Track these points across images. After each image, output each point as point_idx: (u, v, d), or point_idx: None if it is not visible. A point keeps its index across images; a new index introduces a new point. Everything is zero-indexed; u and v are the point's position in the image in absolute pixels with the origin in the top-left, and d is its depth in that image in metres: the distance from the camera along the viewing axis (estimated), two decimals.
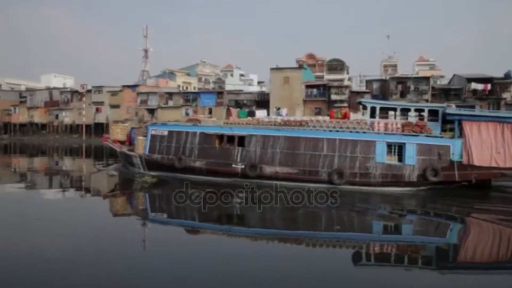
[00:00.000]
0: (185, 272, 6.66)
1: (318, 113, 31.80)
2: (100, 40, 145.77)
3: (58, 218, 10.54)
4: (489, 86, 31.51)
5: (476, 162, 14.43)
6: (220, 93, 39.36)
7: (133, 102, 44.07)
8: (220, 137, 16.45)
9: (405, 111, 15.76)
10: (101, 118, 47.31)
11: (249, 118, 20.13)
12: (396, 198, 14.05)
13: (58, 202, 13.50)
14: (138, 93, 43.79)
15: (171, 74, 61.90)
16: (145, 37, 67.29)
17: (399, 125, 15.14)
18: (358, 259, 7.89)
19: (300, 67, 37.88)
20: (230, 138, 16.21)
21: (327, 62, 63.42)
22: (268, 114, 25.01)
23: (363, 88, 37.01)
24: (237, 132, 16.11)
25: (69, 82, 66.39)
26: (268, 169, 15.37)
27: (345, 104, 31.47)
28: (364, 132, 15.14)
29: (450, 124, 15.75)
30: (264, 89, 56.42)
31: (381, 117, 16.35)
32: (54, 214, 11.10)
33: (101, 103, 47.01)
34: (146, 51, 68.18)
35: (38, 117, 53.62)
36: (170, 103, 42.25)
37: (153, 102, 42.16)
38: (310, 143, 15.19)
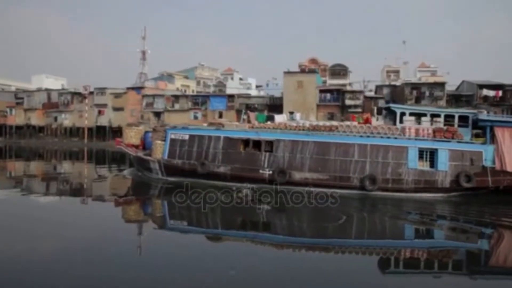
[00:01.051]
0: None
1: (331, 118, 31.64)
2: (94, 41, 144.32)
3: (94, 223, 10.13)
4: (500, 93, 31.87)
5: (509, 168, 14.32)
6: (230, 97, 38.93)
7: (138, 105, 43.31)
8: (246, 142, 16.06)
9: (435, 117, 15.60)
10: (103, 121, 46.44)
11: (269, 122, 19.79)
12: (430, 204, 13.84)
13: (88, 207, 13.10)
14: (144, 96, 43.06)
15: (169, 77, 61.30)
16: (143, 39, 66.38)
17: (430, 131, 14.96)
18: (387, 267, 7.69)
19: (312, 71, 37.73)
20: (256, 143, 15.83)
21: (330, 67, 63.50)
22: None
23: (371, 93, 37.07)
24: (264, 136, 15.74)
25: (58, 84, 64.72)
26: (297, 175, 15.02)
27: (359, 109, 31.46)
28: (395, 138, 14.93)
29: (477, 130, 15.69)
30: (262, 93, 56.25)
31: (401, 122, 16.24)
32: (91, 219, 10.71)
33: (104, 105, 46.14)
34: (144, 53, 67.21)
35: (36, 119, 52.35)
36: (176, 106, 41.64)
37: (159, 105, 41.49)
38: (341, 149, 14.91)
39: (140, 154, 18.94)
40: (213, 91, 56.70)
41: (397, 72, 69.47)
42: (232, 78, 68.41)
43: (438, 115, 15.63)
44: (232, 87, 60.31)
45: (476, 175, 14.30)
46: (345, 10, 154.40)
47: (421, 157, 14.69)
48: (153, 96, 42.62)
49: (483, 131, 15.16)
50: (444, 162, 14.45)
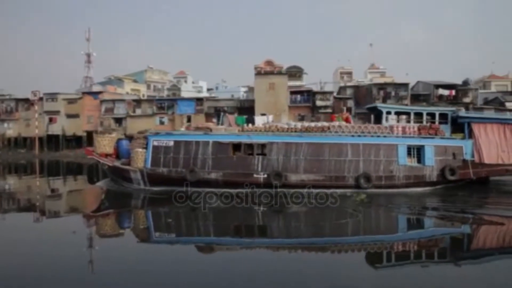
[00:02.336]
0: None
1: (302, 119, 32.00)
2: (32, 45, 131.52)
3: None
4: (453, 92, 34.80)
5: (486, 160, 15.45)
6: (199, 100, 37.58)
7: (96, 111, 40.25)
8: (237, 145, 15.49)
9: (417, 115, 16.34)
10: (55, 130, 42.50)
11: (250, 125, 19.36)
12: (420, 197, 14.40)
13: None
14: (102, 101, 40.08)
15: (119, 81, 58.00)
16: (88, 41, 62.01)
17: (415, 129, 15.65)
18: (379, 261, 7.89)
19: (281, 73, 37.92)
20: (248, 147, 15.34)
21: (286, 69, 64.29)
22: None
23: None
24: (256, 140, 15.32)
25: None
26: (293, 177, 14.81)
27: (330, 110, 32.26)
28: (385, 136, 15.36)
29: (454, 126, 16.71)
30: (213, 95, 55.60)
31: (379, 121, 16.90)
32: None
33: (56, 112, 42.23)
34: (88, 55, 62.84)
35: None
36: (138, 111, 39.34)
37: (120, 110, 38.89)
38: (335, 149, 14.99)
39: (117, 163, 17.43)
40: (167, 94, 54.76)
41: (349, 73, 72.95)
42: (185, 81, 66.93)
43: (421, 114, 16.40)
44: (186, 91, 59.05)
45: (459, 168, 15.23)
46: (294, 12, 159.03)
47: (409, 153, 15.27)
48: (113, 101, 39.91)
49: (461, 127, 16.18)
50: (430, 157, 15.17)
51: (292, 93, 35.24)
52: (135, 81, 63.57)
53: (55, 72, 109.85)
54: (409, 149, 15.27)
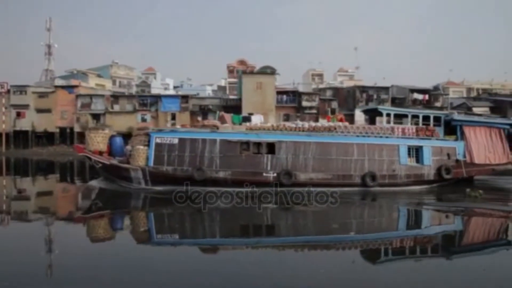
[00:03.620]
0: None
1: (287, 119, 32.41)
2: None
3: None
4: (427, 96, 37.07)
5: (476, 160, 16.68)
6: (184, 97, 36.64)
7: (70, 106, 38.00)
8: (245, 144, 15.44)
9: (414, 118, 17.26)
10: (24, 125, 39.62)
11: (247, 123, 19.38)
12: (418, 194, 15.28)
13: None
14: (78, 96, 37.86)
15: (83, 75, 55.24)
16: (48, 31, 58.37)
17: (413, 130, 16.53)
18: (378, 257, 8.19)
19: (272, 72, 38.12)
20: (257, 145, 15.36)
21: (259, 69, 64.58)
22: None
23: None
24: (265, 138, 15.38)
25: None
26: (302, 176, 15.07)
27: (315, 111, 32.99)
28: (387, 137, 16.07)
29: (446, 128, 17.82)
30: (180, 93, 54.90)
31: (373, 123, 17.70)
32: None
33: (25, 106, 39.30)
34: (49, 46, 59.22)
35: None
36: (116, 107, 37.66)
37: (98, 106, 36.96)
38: (341, 148, 15.43)
39: (114, 161, 16.67)
40: (136, 91, 53.19)
41: (321, 75, 75.04)
42: (155, 78, 65.54)
43: (417, 116, 17.34)
44: (156, 87, 57.74)
45: (453, 167, 16.31)
46: (262, 12, 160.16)
47: (408, 154, 16.10)
48: (91, 96, 37.88)
49: (453, 129, 17.31)
50: (428, 157, 16.11)
51: (278, 93, 35.61)
52: (99, 76, 60.85)
53: (9, 63, 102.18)
54: (409, 149, 16.10)
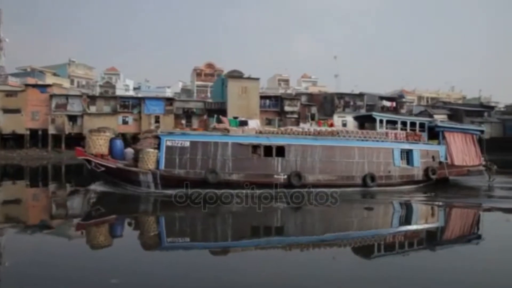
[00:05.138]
0: None
1: (269, 123, 33.49)
2: None
3: None
4: (394, 104, 40.32)
5: (456, 162, 18.92)
6: (168, 100, 36.11)
7: (43, 106, 35.81)
8: (255, 147, 16.15)
9: (403, 124, 19.12)
10: None
11: (245, 127, 20.12)
12: (410, 193, 17.01)
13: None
14: (52, 96, 35.80)
15: (40, 73, 52.08)
16: None
17: (404, 135, 18.36)
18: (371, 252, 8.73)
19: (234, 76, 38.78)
20: (267, 149, 16.14)
21: (228, 73, 65.16)
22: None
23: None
24: (275, 142, 16.23)
25: None
26: (310, 177, 16.11)
27: (296, 116, 34.40)
28: (383, 141, 17.70)
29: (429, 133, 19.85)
30: (140, 95, 54.30)
31: (363, 128, 19.42)
32: None
33: None
34: None
35: None
36: (93, 108, 36.22)
37: (75, 107, 35.19)
38: (344, 151, 16.74)
39: (120, 165, 16.53)
40: (99, 92, 51.48)
41: (287, 81, 77.62)
42: (119, 78, 64.01)
43: (405, 123, 19.23)
44: (119, 88, 56.56)
45: (438, 168, 18.35)
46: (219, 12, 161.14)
47: (401, 156, 17.85)
48: (66, 96, 36.04)
49: (435, 134, 19.43)
50: (417, 160, 17.98)
51: (261, 97, 36.62)
52: (55, 74, 57.86)
53: None
54: (401, 152, 17.86)
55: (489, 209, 13.93)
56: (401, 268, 7.42)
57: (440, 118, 42.61)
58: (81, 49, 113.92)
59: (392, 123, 19.13)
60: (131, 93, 57.98)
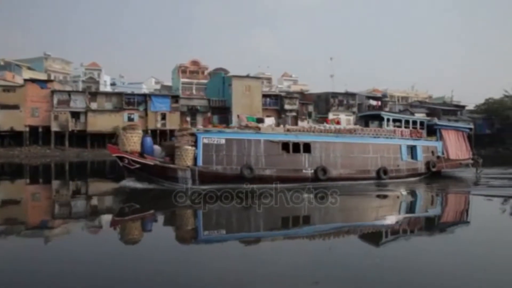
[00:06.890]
0: None
1: None
2: None
3: None
4: (379, 103, 43.52)
5: (451, 156, 21.74)
6: (174, 97, 36.70)
7: (43, 102, 35.22)
8: (285, 144, 17.85)
9: (403, 122, 21.61)
10: None
11: (261, 124, 21.74)
12: (415, 183, 19.51)
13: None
14: (54, 92, 35.35)
15: (17, 67, 50.55)
16: None
17: (408, 132, 20.86)
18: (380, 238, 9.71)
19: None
20: (295, 145, 17.91)
21: (212, 71, 65.48)
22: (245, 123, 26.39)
23: None
24: (302, 139, 18.05)
25: None
26: (334, 172, 18.10)
27: (295, 114, 36.36)
28: (392, 138, 20.06)
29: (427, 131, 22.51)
30: (129, 91, 54.06)
31: (367, 126, 21.85)
32: None
33: None
34: None
35: None
36: (94, 105, 36.21)
37: (78, 103, 34.97)
38: (361, 148, 18.91)
39: (157, 162, 17.63)
40: (82, 88, 50.94)
41: (269, 79, 79.59)
42: (99, 75, 63.35)
43: (408, 121, 21.75)
44: (102, 84, 56.38)
45: (437, 162, 21.03)
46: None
47: (407, 151, 20.31)
48: (69, 92, 35.75)
49: (433, 131, 22.12)
50: (420, 154, 20.55)
51: (263, 96, 38.24)
52: (30, 68, 56.21)
53: None
54: (407, 148, 20.32)
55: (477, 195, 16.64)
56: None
57: (420, 116, 46.38)
58: (54, 42, 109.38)
59: (397, 121, 21.58)
60: (108, 88, 57.56)
